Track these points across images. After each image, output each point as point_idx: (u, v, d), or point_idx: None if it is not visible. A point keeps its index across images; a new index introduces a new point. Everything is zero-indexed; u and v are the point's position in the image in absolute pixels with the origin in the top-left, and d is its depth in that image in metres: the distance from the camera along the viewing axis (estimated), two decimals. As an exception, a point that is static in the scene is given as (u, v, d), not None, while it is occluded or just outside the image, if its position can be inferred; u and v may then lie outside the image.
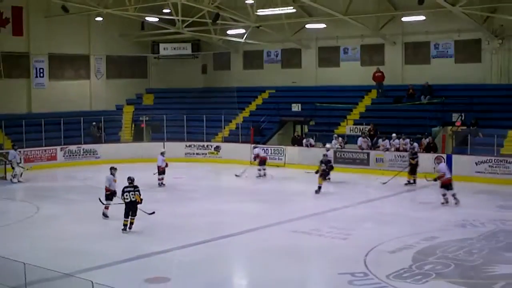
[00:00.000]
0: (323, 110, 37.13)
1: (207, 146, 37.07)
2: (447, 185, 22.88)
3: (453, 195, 22.76)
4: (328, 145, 31.31)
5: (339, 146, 32.83)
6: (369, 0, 34.72)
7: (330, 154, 29.23)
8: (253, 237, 18.40)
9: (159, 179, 27.93)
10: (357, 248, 16.51)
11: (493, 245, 16.80)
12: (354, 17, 34.62)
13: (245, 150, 35.24)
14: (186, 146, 37.09)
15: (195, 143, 37.34)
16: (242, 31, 39.24)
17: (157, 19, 38.68)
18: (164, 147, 30.88)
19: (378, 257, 15.77)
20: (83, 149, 35.73)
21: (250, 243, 17.73)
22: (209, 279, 14.26)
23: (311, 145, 33.73)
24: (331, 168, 26.99)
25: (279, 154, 34.33)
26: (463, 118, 32.32)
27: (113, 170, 21.30)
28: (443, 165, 24.06)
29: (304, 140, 34.17)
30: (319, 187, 25.13)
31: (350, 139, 33.40)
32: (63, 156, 34.97)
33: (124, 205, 18.89)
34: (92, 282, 10.47)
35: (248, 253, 16.98)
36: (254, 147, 31.88)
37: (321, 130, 35.82)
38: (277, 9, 34.95)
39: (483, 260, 15.19)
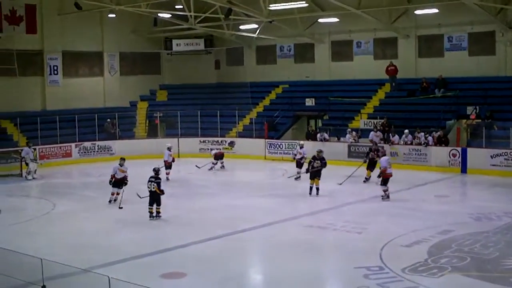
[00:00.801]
0: (336, 104, 37.14)
1: (221, 141, 37.09)
2: (386, 180, 22.99)
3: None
4: (301, 142, 30.02)
5: (353, 140, 32.79)
6: (381, -6, 34.63)
7: (304, 151, 28.11)
8: (268, 232, 18.43)
9: (166, 173, 28.19)
10: (372, 242, 16.52)
11: (509, 238, 16.77)
12: (366, 10, 34.49)
13: (259, 145, 35.33)
14: (200, 141, 37.14)
15: (209, 139, 37.36)
16: (254, 26, 39.27)
17: (169, 15, 38.69)
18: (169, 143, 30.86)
19: (393, 251, 15.77)
20: (97, 146, 35.83)
21: (265, 238, 17.79)
22: (225, 274, 14.32)
23: (326, 140, 33.69)
24: (325, 165, 24.12)
25: (293, 149, 34.27)
26: (477, 111, 32.20)
27: (121, 160, 23.21)
28: (384, 160, 23.89)
29: (319, 135, 34.14)
30: (312, 188, 23.77)
31: (364, 133, 33.33)
32: (78, 152, 35.08)
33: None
34: (108, 277, 10.54)
35: (263, 247, 17.04)
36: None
37: (335, 125, 35.77)
38: (290, 3, 34.88)
39: (499, 253, 15.16)
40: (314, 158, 24.21)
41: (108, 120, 37.70)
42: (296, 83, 41.09)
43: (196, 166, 30.49)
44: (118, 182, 22.66)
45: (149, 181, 20.21)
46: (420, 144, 30.62)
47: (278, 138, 36.48)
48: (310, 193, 23.60)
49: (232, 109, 38.98)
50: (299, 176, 27.17)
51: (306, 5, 35.60)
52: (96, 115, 37.47)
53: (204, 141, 37.07)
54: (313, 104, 38.01)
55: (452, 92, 34.05)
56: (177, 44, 43.41)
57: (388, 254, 15.44)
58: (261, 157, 34.39)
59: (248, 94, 40.82)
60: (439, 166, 29.23)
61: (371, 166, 26.85)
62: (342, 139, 33.61)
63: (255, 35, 40.04)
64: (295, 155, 28.41)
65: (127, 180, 22.74)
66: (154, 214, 20.00)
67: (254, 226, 18.88)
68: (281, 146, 34.90)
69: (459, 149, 29.47)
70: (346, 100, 36.91)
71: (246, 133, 37.82)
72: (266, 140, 35.76)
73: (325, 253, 16.33)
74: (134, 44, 42.65)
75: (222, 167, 31.00)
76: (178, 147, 35.68)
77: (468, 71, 34.99)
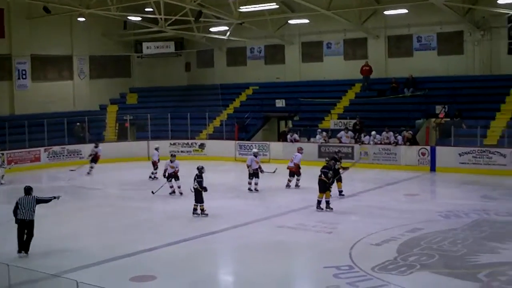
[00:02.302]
0: (307, 105, 37.29)
1: (191, 143, 37.06)
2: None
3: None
4: (255, 150, 27.72)
5: (323, 141, 32.88)
6: (351, -5, 34.78)
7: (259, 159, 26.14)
8: (239, 233, 18.40)
9: (153, 173, 28.89)
10: (342, 242, 16.57)
11: (477, 235, 16.90)
12: (336, 11, 34.66)
13: (229, 147, 35.35)
14: (170, 144, 36.97)
15: (180, 141, 37.28)
16: (225, 28, 39.31)
17: (139, 18, 38.62)
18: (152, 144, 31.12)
19: (363, 250, 15.82)
20: (67, 150, 35.54)
21: (235, 239, 17.75)
22: (195, 276, 14.25)
23: (296, 140, 33.75)
24: (331, 176, 21.56)
25: (264, 150, 34.30)
26: (446, 110, 32.50)
27: (172, 157, 25.25)
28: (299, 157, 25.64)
29: (289, 135, 34.21)
30: (321, 202, 21.17)
31: (335, 133, 33.46)
32: (47, 157, 34.75)
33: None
34: (76, 282, 10.42)
35: (234, 249, 17.00)
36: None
37: (306, 125, 35.90)
38: (260, 5, 34.96)
39: (467, 250, 15.28)
40: (330, 169, 21.60)
41: (78, 124, 37.50)
42: (266, 85, 41.15)
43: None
44: (171, 176, 24.38)
45: (194, 179, 20.58)
46: (389, 143, 30.79)
47: (248, 140, 36.52)
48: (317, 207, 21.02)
49: (202, 111, 38.99)
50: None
51: (276, 6, 35.69)
52: (65, 119, 37.25)
53: (174, 144, 36.93)
54: (284, 105, 38.09)
55: (421, 91, 34.36)
56: (147, 47, 43.34)
57: (358, 253, 15.48)
58: (231, 158, 34.40)
59: (219, 96, 40.86)
60: (409, 165, 29.40)
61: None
62: (312, 139, 33.73)
63: (225, 37, 40.07)
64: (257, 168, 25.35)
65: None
66: (199, 212, 20.40)
67: (225, 227, 18.85)
68: (251, 148, 34.82)
69: (428, 147, 29.73)
70: (316, 101, 37.08)
71: (216, 135, 37.81)
72: (237, 141, 35.76)
73: (295, 253, 16.30)
74: (104, 48, 42.44)
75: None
76: (148, 150, 35.51)
77: (437, 71, 35.34)
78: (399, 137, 30.84)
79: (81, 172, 30.87)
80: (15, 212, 16.26)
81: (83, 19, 38.20)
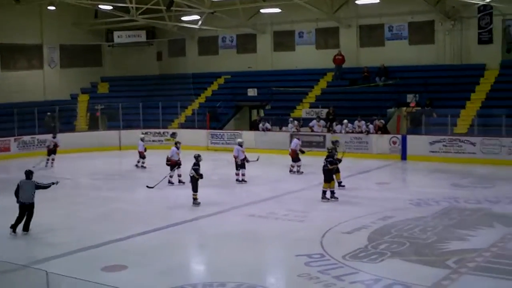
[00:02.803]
0: (279, 94, 37.34)
1: (163, 133, 36.95)
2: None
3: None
4: (240, 139, 26.54)
5: (295, 130, 32.91)
6: (323, -16, 34.82)
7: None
8: (210, 222, 18.39)
9: (141, 163, 29.05)
10: (314, 230, 16.62)
11: (447, 222, 17.05)
12: (308, 1, 34.68)
13: (201, 135, 35.31)
14: (142, 133, 36.74)
15: (152, 130, 37.16)
16: (196, 17, 39.17)
17: (110, 7, 38.28)
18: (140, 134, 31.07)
19: (334, 238, 15.89)
20: (37, 140, 35.17)
21: (207, 228, 17.73)
22: (166, 266, 14.20)
23: (268, 129, 33.78)
24: (331, 163, 21.02)
25: (235, 139, 34.21)
26: (417, 98, 32.75)
27: (178, 144, 25.07)
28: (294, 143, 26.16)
29: (260, 124, 34.22)
30: (326, 192, 20.85)
31: (306, 122, 33.52)
32: (17, 147, 34.42)
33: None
34: (46, 272, 10.33)
35: (205, 238, 16.97)
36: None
37: (277, 114, 35.96)
38: (232, -6, 34.85)
39: (436, 238, 15.40)
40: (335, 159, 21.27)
41: (48, 113, 37.17)
42: (238, 74, 41.12)
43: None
44: (173, 165, 24.17)
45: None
46: (361, 132, 30.93)
47: (220, 129, 36.54)
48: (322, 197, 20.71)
49: (174, 100, 38.97)
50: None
51: (248, -5, 35.60)
52: (36, 108, 36.83)
53: (146, 133, 36.66)
54: (256, 94, 38.15)
55: (392, 80, 34.54)
56: (118, 36, 43.10)
57: (329, 241, 15.54)
58: (203, 147, 34.32)
59: (190, 85, 40.83)
60: (380, 154, 29.57)
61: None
62: (284, 128, 33.78)
63: (197, 26, 39.91)
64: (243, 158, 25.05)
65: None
66: (199, 201, 20.45)
67: (196, 216, 18.84)
68: (223, 137, 34.93)
69: (400, 136, 29.92)
70: (288, 90, 37.12)
71: (188, 124, 37.78)
72: (209, 130, 35.72)
73: (266, 242, 16.33)
74: (74, 36, 42.10)
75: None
76: (120, 139, 35.39)
77: (408, 60, 35.54)
78: (371, 126, 31.00)
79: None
80: (16, 193, 16.99)
81: (53, 7, 37.89)
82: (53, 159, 30.42)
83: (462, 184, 23.16)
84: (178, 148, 24.85)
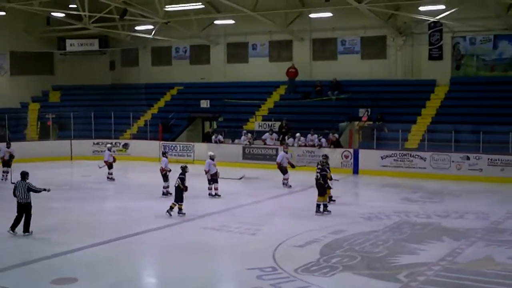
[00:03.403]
0: (232, 106, 37.36)
1: (115, 143, 36.61)
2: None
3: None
4: (211, 153, 25.08)
5: (248, 142, 32.96)
6: (277, -4, 35.04)
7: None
8: (162, 234, 18.24)
9: (108, 173, 28.26)
10: (266, 243, 16.58)
11: (398, 236, 17.20)
12: (262, 13, 34.85)
13: (154, 146, 35.11)
14: (94, 143, 36.55)
15: (103, 141, 36.71)
16: (150, 27, 39.05)
17: (63, 15, 37.93)
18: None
19: (286, 252, 15.88)
20: (-14, 149, 34.57)
21: (159, 241, 17.58)
22: (117, 278, 14.04)
23: (220, 141, 33.75)
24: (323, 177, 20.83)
25: (188, 151, 34.21)
26: (369, 113, 33.07)
27: (166, 154, 25.35)
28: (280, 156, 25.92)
29: (213, 136, 34.17)
30: (320, 206, 20.73)
31: (259, 134, 33.60)
32: (-35, 155, 33.78)
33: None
34: (-8, 286, 10.15)
35: (157, 250, 16.82)
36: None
37: (230, 126, 35.96)
38: (186, 5, 34.84)
39: (388, 252, 15.52)
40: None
41: (-3, 122, 36.60)
42: (191, 85, 41.11)
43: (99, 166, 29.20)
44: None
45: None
46: (313, 145, 31.10)
47: (172, 140, 36.38)
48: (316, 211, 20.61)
49: (126, 110, 38.71)
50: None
51: (202, 6, 35.62)
52: (-16, 117, 36.25)
53: (97, 143, 36.48)
54: (208, 105, 38.12)
55: (345, 94, 34.82)
56: (70, 44, 42.65)
57: (282, 254, 15.52)
58: (155, 159, 34.08)
59: (143, 96, 40.64)
60: (332, 168, 29.63)
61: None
62: (237, 141, 33.82)
63: (150, 36, 39.82)
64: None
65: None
66: (177, 211, 20.24)
67: (148, 229, 18.65)
68: (176, 148, 34.79)
69: (351, 150, 30.15)
70: (241, 102, 37.18)
71: (140, 135, 37.58)
72: (161, 142, 35.56)
73: (219, 255, 16.25)
74: (25, 44, 41.57)
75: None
76: (71, 149, 34.99)
77: (361, 74, 35.94)
78: (323, 140, 31.18)
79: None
80: (14, 193, 17.89)
81: (3, 13, 37.33)
82: (7, 172, 28.45)
83: (413, 199, 23.46)
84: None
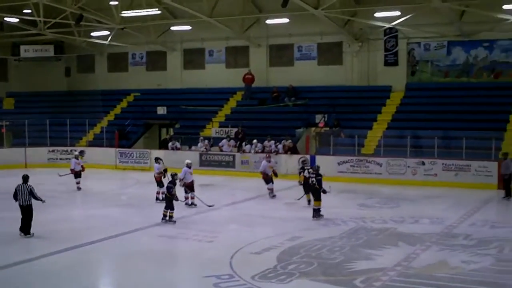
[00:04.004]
0: (188, 112, 37.27)
1: (71, 150, 36.15)
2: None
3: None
4: (188, 161, 23.91)
5: (205, 149, 32.88)
6: (234, 3, 35.02)
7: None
8: (118, 242, 18.07)
9: (76, 183, 27.34)
10: (223, 251, 16.53)
11: (354, 242, 17.28)
12: (219, 19, 34.86)
13: (110, 154, 34.84)
14: (49, 151, 36.15)
15: (59, 148, 36.45)
16: (106, 33, 38.77)
17: (17, 20, 37.46)
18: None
19: (243, 259, 15.84)
20: None
21: (115, 249, 17.41)
22: (74, 288, 13.90)
23: (177, 148, 33.62)
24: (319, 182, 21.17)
25: (145, 158, 34.01)
26: (326, 119, 33.26)
27: (159, 159, 24.66)
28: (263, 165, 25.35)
29: (170, 143, 34.03)
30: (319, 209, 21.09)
31: (217, 141, 33.56)
32: None
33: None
34: None
35: (113, 259, 16.65)
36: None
37: (187, 133, 35.87)
38: (142, 10, 34.70)
39: (344, 257, 15.58)
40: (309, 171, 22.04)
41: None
42: (148, 91, 40.96)
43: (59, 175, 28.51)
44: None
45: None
46: (270, 152, 31.10)
47: (129, 147, 36.17)
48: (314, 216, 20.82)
49: (82, 117, 38.36)
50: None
51: (159, 12, 35.54)
52: None
53: (53, 151, 36.10)
54: (165, 112, 37.95)
55: (302, 100, 34.95)
56: (25, 50, 42.17)
57: (239, 262, 15.48)
58: (112, 166, 33.91)
59: (99, 102, 40.32)
60: (289, 174, 29.79)
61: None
62: (194, 147, 33.73)
63: (106, 42, 39.57)
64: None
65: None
66: (167, 218, 20.08)
67: (104, 237, 18.45)
68: (132, 155, 34.56)
69: (308, 156, 30.17)
70: (198, 109, 37.13)
71: (96, 142, 37.26)
72: (117, 149, 35.29)
73: (175, 262, 16.18)
74: (-22, 49, 40.98)
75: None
76: (25, 157, 34.52)
77: (317, 80, 36.15)
78: (280, 146, 31.24)
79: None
80: (15, 196, 18.58)
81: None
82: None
83: (369, 204, 23.63)
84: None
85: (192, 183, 23.08)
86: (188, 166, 23.06)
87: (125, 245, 17.72)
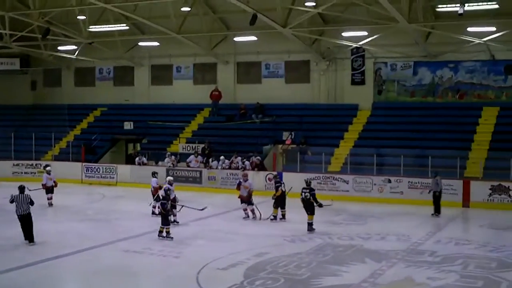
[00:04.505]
0: (155, 128, 37.17)
1: (36, 165, 35.88)
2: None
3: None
4: (170, 177, 23.74)
5: (172, 165, 32.79)
6: (202, 20, 35.04)
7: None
8: (83, 257, 17.87)
9: (48, 198, 26.52)
10: (190, 266, 16.45)
11: (320, 258, 17.31)
12: (187, 35, 34.90)
13: (76, 169, 34.56)
14: (13, 165, 35.73)
15: (24, 162, 36.03)
16: (73, 47, 38.58)
17: (-18, 33, 37.16)
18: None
19: (210, 274, 15.78)
20: None
21: (80, 264, 17.21)
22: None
23: (144, 163, 33.49)
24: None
25: (111, 173, 33.80)
26: (293, 136, 33.41)
27: (156, 174, 24.84)
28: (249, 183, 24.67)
29: (137, 158, 33.89)
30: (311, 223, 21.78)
31: (184, 157, 33.49)
32: None
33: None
34: None
35: (78, 274, 16.48)
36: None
37: (154, 149, 35.76)
38: (110, 26, 34.63)
39: (311, 273, 15.59)
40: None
41: None
42: (115, 106, 40.79)
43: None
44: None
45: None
46: (237, 168, 31.14)
47: (95, 162, 35.92)
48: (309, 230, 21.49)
49: (48, 131, 37.98)
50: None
51: (127, 28, 35.48)
52: None
53: (17, 165, 35.68)
54: (132, 127, 37.80)
55: (269, 118, 35.05)
56: (-10, 63, 41.73)
57: (205, 277, 15.43)
58: (78, 181, 33.63)
59: (66, 117, 40.02)
60: (256, 190, 29.73)
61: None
62: (160, 163, 33.62)
63: (74, 57, 39.39)
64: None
65: None
66: (164, 234, 19.94)
67: (69, 252, 18.26)
68: (98, 170, 34.32)
69: (275, 173, 30.20)
70: (165, 124, 37.03)
71: (62, 156, 36.93)
72: (83, 164, 35.03)
73: (141, 278, 16.03)
74: None
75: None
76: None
77: (285, 98, 36.28)
78: (247, 163, 31.26)
79: None
80: (11, 202, 19.24)
81: None
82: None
83: (336, 221, 23.68)
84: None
85: (174, 199, 22.51)
86: (170, 183, 22.34)
87: (90, 261, 17.52)
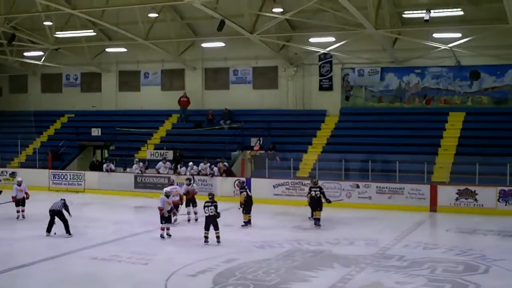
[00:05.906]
0: (123, 134, 36.97)
1: (2, 172, 35.52)
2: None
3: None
4: (167, 188, 22.55)
5: (140, 171, 32.63)
6: (169, 26, 35.00)
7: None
8: (50, 266, 17.68)
9: (17, 211, 25.06)
10: (158, 273, 16.37)
11: (290, 264, 17.31)
12: (154, 41, 34.82)
13: (43, 175, 34.23)
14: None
15: (-12, 170, 35.66)
16: (40, 53, 38.29)
17: None
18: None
19: (179, 281, 15.72)
20: None
21: (46, 273, 17.01)
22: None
23: (112, 170, 33.28)
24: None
25: (79, 180, 33.54)
26: (261, 142, 33.42)
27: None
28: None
29: (105, 165, 33.69)
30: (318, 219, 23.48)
31: (152, 163, 33.35)
32: None
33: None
34: None
35: (45, 283, 16.26)
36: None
37: (122, 155, 35.58)
38: (77, 31, 34.44)
39: (280, 279, 15.58)
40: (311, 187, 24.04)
41: None
42: (82, 113, 40.58)
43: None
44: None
45: (205, 206, 20.19)
46: (206, 174, 31.08)
47: (63, 169, 35.64)
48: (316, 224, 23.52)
49: (14, 138, 37.60)
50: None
51: (94, 34, 35.30)
52: None
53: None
54: (99, 134, 37.54)
55: (237, 123, 35.04)
56: (-45, 69, 41.25)
57: (174, 284, 15.37)
58: (45, 188, 33.28)
59: (32, 123, 39.63)
60: (225, 196, 29.76)
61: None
62: (128, 169, 33.45)
63: (40, 63, 39.10)
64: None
65: None
66: (209, 240, 20.10)
67: (35, 260, 18.05)
68: (66, 177, 34.03)
69: (244, 179, 30.22)
70: (133, 131, 36.85)
71: (29, 163, 36.60)
72: (50, 170, 34.71)
73: (110, 286, 15.92)
74: None
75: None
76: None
77: (253, 104, 36.33)
78: (215, 169, 31.22)
79: None
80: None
81: None
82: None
83: (305, 227, 23.69)
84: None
85: (170, 212, 21.76)
86: (167, 195, 21.66)
87: (56, 269, 17.35)
